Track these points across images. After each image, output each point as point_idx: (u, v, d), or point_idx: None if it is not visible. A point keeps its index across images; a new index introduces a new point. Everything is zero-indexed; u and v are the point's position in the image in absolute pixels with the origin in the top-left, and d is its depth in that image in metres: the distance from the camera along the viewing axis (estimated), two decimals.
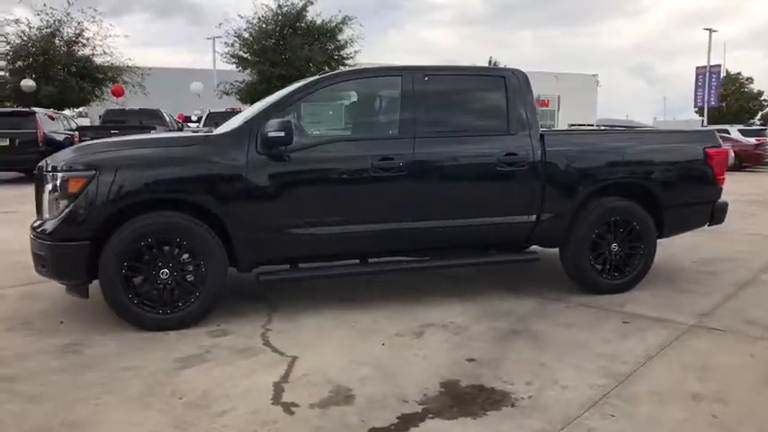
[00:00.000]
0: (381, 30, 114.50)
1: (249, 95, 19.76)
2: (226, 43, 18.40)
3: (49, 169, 3.63)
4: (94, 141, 4.45)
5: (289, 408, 2.71)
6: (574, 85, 47.85)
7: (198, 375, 3.06)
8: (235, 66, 19.06)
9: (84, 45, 23.15)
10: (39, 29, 22.12)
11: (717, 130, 5.73)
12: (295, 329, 3.75)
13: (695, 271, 5.30)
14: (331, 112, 4.31)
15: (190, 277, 3.73)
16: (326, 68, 19.61)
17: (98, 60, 23.30)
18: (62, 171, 3.54)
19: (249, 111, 4.42)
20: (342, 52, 20.02)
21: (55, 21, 22.20)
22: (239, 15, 24.79)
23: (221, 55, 18.76)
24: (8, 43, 21.75)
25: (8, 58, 22.68)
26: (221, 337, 3.61)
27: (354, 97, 4.49)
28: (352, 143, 4.07)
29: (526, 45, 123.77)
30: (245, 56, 18.73)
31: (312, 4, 19.02)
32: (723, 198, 4.93)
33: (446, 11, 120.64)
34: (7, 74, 23.21)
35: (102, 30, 22.99)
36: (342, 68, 20.03)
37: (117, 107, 18.58)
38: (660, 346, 3.46)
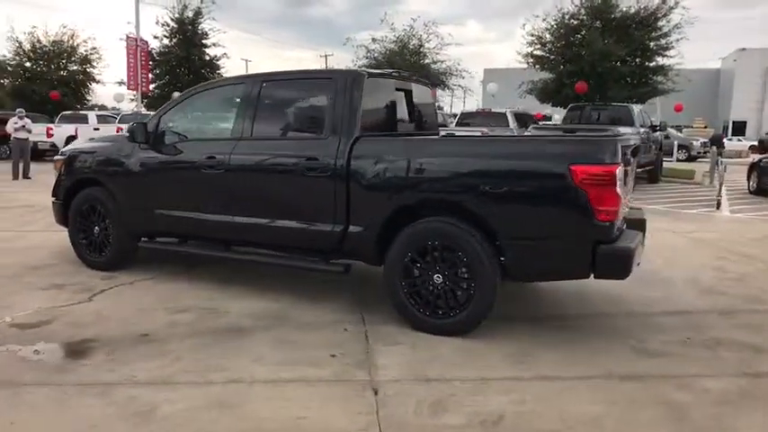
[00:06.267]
0: None
1: (542, 95, 19.34)
2: (528, 43, 18.34)
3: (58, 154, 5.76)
4: (93, 137, 6.43)
5: (12, 324, 3.96)
6: None
7: (34, 295, 4.57)
8: (527, 65, 18.78)
9: (424, 55, 27.19)
10: (393, 42, 27.21)
11: None
12: (140, 288, 4.81)
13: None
14: (195, 117, 5.05)
15: (111, 236, 5.26)
16: (618, 63, 17.38)
17: (435, 67, 27.02)
18: (58, 155, 5.59)
19: None
20: (663, 41, 17.02)
21: (404, 35, 26.91)
22: (534, 15, 24.42)
23: (520, 55, 18.82)
24: (368, 58, 27.69)
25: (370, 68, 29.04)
26: (104, 280, 5.01)
27: (212, 104, 5.07)
28: (195, 143, 4.74)
29: None
30: (543, 54, 18.15)
31: None
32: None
33: None
34: None
35: (439, 41, 26.78)
36: (657, 62, 17.53)
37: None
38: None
